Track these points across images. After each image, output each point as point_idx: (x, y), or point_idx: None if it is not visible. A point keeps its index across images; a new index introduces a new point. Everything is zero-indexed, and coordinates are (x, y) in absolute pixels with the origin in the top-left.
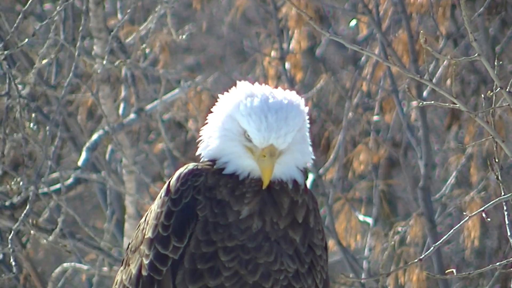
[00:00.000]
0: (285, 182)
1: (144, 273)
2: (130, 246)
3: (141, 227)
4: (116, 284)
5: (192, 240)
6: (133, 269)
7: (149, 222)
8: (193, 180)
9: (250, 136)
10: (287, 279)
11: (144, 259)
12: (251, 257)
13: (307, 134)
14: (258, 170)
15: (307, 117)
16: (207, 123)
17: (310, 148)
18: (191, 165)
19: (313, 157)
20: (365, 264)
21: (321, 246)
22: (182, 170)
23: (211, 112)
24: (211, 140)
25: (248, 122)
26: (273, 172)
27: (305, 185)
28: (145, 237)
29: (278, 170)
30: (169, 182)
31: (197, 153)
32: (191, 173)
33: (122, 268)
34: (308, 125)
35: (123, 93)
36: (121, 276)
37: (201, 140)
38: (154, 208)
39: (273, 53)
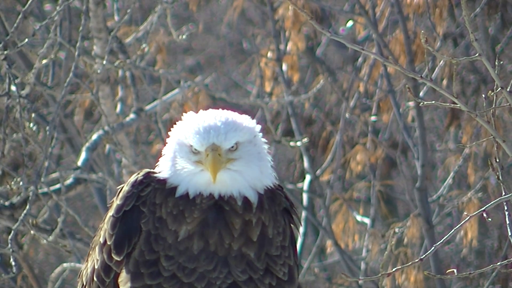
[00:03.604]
0: (234, 200)
1: (95, 278)
2: (93, 241)
3: (101, 225)
4: (79, 275)
5: (137, 248)
6: (89, 267)
7: (104, 224)
8: (139, 189)
9: (193, 146)
10: (226, 284)
11: (95, 263)
12: (189, 266)
13: (266, 155)
14: (208, 183)
15: (263, 138)
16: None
17: (271, 170)
18: (143, 172)
19: (275, 180)
20: (362, 265)
21: (280, 246)
22: (135, 176)
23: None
24: (166, 164)
25: (188, 132)
26: (220, 168)
27: (274, 190)
28: (99, 239)
29: (230, 185)
30: (122, 186)
31: (156, 167)
32: (139, 182)
33: (85, 260)
34: (266, 146)
35: (120, 94)
36: (83, 270)
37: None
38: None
39: (269, 54)
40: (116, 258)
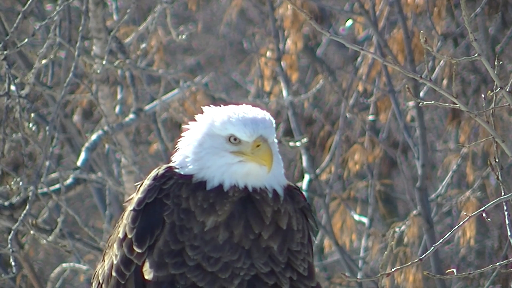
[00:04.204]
0: (265, 192)
1: (113, 273)
2: (109, 240)
3: (118, 223)
4: (94, 276)
5: (161, 239)
6: (106, 265)
7: (123, 220)
8: (161, 182)
9: (238, 136)
10: (249, 276)
11: (114, 258)
12: (214, 255)
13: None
14: (246, 175)
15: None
16: (183, 141)
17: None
18: (164, 166)
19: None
20: (361, 264)
21: (300, 243)
22: (155, 171)
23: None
24: (188, 158)
25: (232, 124)
26: (272, 159)
27: (292, 188)
28: (118, 235)
29: (263, 178)
30: (142, 182)
31: (171, 163)
32: (160, 175)
33: (101, 260)
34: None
35: (119, 95)
36: (99, 269)
37: (177, 151)
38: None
39: (268, 54)
40: (137, 250)
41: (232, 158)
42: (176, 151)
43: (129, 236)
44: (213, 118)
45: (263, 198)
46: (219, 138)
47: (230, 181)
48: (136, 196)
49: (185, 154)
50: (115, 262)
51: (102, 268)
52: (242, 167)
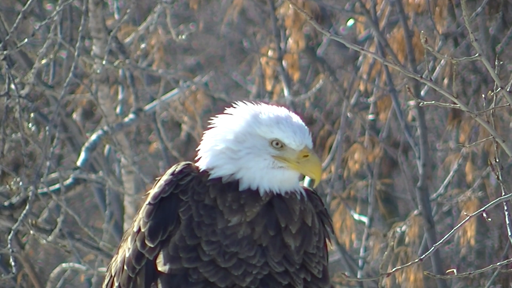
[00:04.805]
0: (294, 193)
1: (125, 267)
2: (124, 235)
3: (135, 218)
4: (108, 269)
5: (177, 234)
6: (119, 258)
7: (139, 215)
8: (178, 177)
9: (285, 143)
10: (261, 275)
11: (126, 252)
12: (231, 250)
13: None
14: (285, 180)
15: None
16: (205, 139)
17: None
18: (182, 163)
19: None
20: (361, 264)
21: (316, 246)
22: (173, 167)
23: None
24: (224, 157)
25: (281, 129)
26: (322, 171)
27: (310, 192)
28: (133, 229)
29: (293, 184)
30: (159, 179)
31: (200, 168)
32: (178, 171)
33: (115, 253)
34: None
35: (120, 95)
36: (112, 263)
37: (200, 151)
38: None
39: (270, 53)
40: (149, 244)
41: (274, 163)
42: (202, 141)
43: (143, 230)
44: (257, 118)
45: (292, 198)
46: (261, 139)
47: (268, 186)
48: (152, 191)
49: (216, 149)
50: (127, 255)
51: (115, 261)
52: (282, 173)
